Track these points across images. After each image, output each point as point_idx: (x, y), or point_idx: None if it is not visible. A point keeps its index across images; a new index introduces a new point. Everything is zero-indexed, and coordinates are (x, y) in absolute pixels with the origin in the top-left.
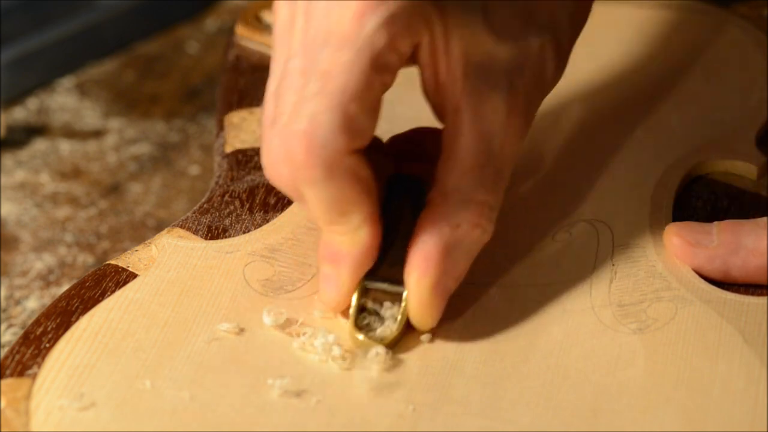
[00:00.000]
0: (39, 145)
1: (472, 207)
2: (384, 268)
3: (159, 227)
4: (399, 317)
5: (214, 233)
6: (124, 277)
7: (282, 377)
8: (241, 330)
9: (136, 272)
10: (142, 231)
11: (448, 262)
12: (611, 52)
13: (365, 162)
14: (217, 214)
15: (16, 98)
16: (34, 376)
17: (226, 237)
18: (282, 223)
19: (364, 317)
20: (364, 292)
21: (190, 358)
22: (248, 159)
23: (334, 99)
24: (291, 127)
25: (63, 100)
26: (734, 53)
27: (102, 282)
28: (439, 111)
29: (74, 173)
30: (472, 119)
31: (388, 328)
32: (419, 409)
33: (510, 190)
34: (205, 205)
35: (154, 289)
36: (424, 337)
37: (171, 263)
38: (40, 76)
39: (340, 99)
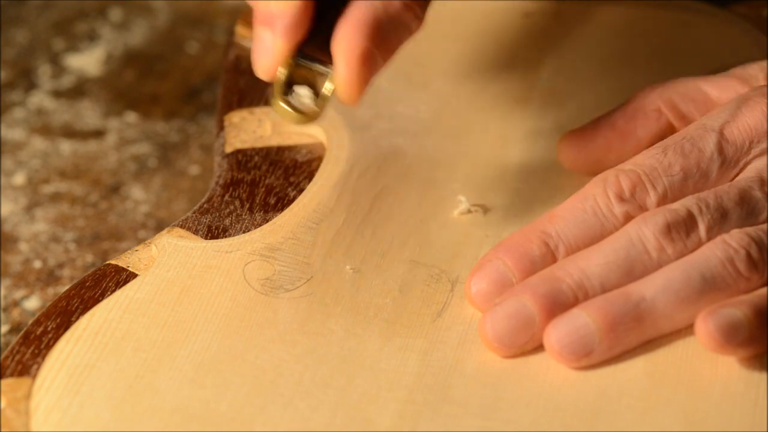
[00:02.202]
0: (39, 145)
1: None
2: (313, 47)
3: (159, 227)
4: (323, 92)
5: (214, 233)
6: (124, 277)
7: (281, 375)
8: (243, 329)
9: (136, 272)
10: (142, 231)
11: (377, 34)
12: (611, 52)
13: None
14: (217, 214)
15: (16, 98)
16: (34, 376)
17: (226, 237)
18: (282, 222)
19: (291, 93)
20: (294, 67)
21: (190, 357)
22: (248, 159)
23: None
24: None
25: (63, 100)
26: (734, 53)
27: (102, 282)
28: None
29: (74, 173)
30: None
31: (312, 101)
32: (419, 409)
33: (508, 191)
34: (205, 205)
35: (154, 288)
36: (424, 339)
37: (171, 263)
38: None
39: None
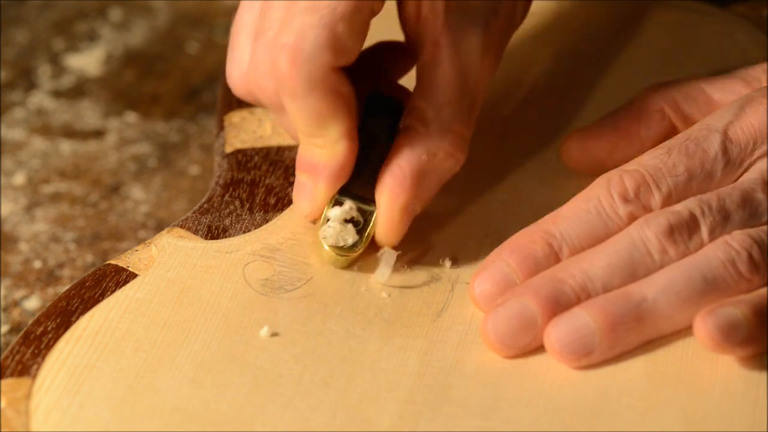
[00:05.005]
0: (39, 145)
1: (449, 137)
2: (356, 185)
3: (159, 227)
4: (366, 234)
5: (214, 233)
6: (124, 277)
7: (281, 375)
8: (251, 331)
9: (136, 272)
10: (142, 231)
11: (420, 187)
12: (611, 51)
13: (347, 79)
14: (217, 214)
15: (16, 98)
16: (34, 376)
17: (226, 237)
18: (282, 223)
19: (330, 229)
20: (333, 204)
21: (190, 357)
22: (248, 159)
23: (324, 17)
24: (279, 40)
25: (63, 100)
26: (734, 53)
27: (102, 282)
28: (416, 43)
29: (74, 173)
30: (452, 54)
31: (354, 243)
32: (419, 409)
33: (509, 191)
34: (205, 205)
35: (154, 288)
36: (423, 338)
37: (171, 263)
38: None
39: (329, 17)
